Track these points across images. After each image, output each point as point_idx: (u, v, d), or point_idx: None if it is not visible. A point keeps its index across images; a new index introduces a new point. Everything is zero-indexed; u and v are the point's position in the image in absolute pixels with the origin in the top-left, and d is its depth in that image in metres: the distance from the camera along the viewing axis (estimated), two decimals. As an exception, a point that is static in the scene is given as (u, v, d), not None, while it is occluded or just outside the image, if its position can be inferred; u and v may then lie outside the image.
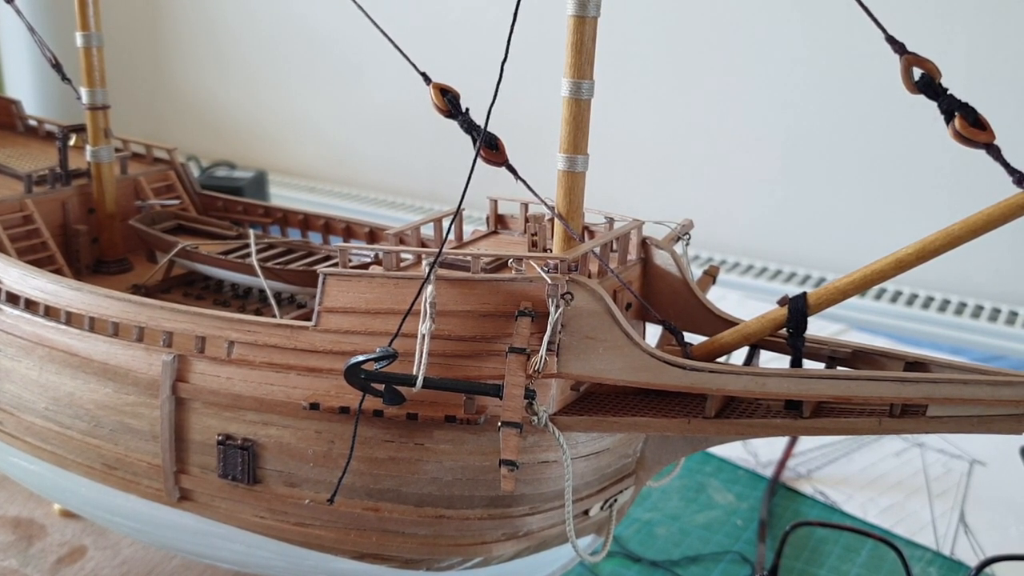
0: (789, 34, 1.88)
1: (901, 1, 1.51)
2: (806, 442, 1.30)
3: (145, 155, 1.17)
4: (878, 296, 1.78)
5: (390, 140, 2.36)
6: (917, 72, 0.56)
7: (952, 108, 0.55)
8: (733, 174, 1.99)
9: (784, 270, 1.91)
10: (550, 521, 0.75)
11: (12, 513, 1.07)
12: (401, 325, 0.65)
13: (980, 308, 1.73)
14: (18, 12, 1.06)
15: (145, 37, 2.70)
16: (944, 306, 1.74)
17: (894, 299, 1.78)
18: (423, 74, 0.72)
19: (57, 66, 1.06)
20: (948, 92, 0.55)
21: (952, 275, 1.76)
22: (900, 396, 0.59)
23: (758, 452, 1.28)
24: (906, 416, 0.61)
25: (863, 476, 1.24)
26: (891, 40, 0.56)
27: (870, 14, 0.56)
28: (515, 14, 0.53)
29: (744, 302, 1.69)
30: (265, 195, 2.04)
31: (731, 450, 1.28)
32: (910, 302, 1.76)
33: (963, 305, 1.75)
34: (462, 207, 0.69)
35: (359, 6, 0.72)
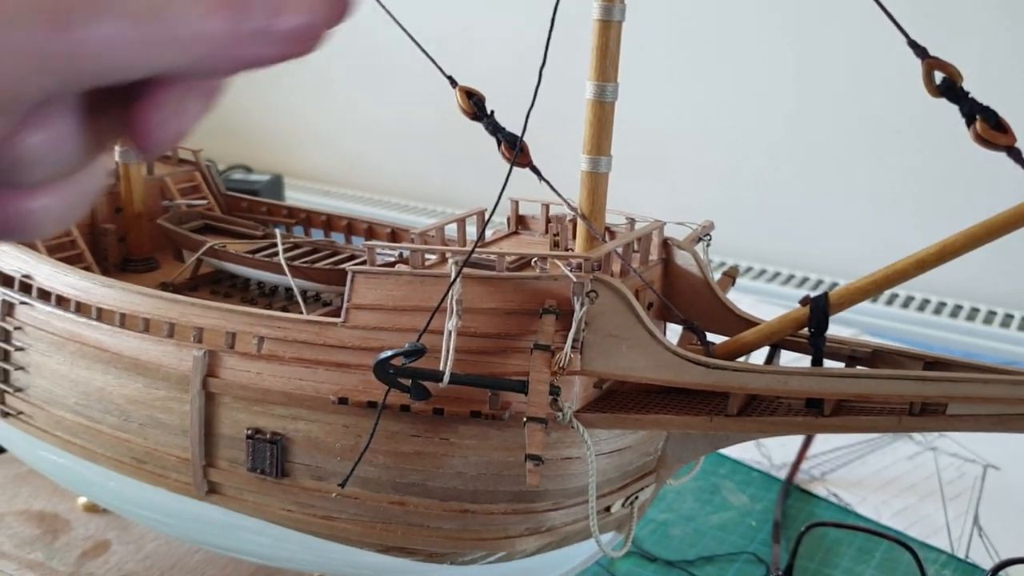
0: (806, 39, 1.89)
1: (916, 4, 1.52)
2: (820, 444, 1.31)
3: (171, 157, 1.19)
4: (890, 301, 1.79)
5: (404, 144, 2.38)
6: (939, 76, 0.57)
7: (973, 111, 0.56)
8: (748, 178, 2.00)
9: (797, 274, 1.92)
10: (572, 517, 0.76)
11: (37, 507, 1.09)
12: (429, 322, 0.67)
13: (992, 313, 1.74)
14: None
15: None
16: (956, 311, 1.75)
17: (906, 304, 1.78)
18: (450, 77, 0.74)
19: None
20: (970, 95, 0.56)
21: (964, 280, 1.76)
22: (920, 394, 0.61)
23: (772, 454, 1.29)
24: (926, 414, 0.62)
25: (877, 479, 1.25)
26: (913, 44, 0.58)
27: (892, 19, 0.58)
28: (552, 22, 0.54)
29: (757, 306, 1.70)
30: (281, 198, 2.06)
31: (745, 452, 1.29)
32: (922, 307, 1.77)
33: (975, 310, 1.75)
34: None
35: (388, 12, 0.73)
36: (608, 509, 0.77)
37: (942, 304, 1.78)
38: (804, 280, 1.89)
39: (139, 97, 0.31)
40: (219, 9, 0.29)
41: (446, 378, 0.65)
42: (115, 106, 0.32)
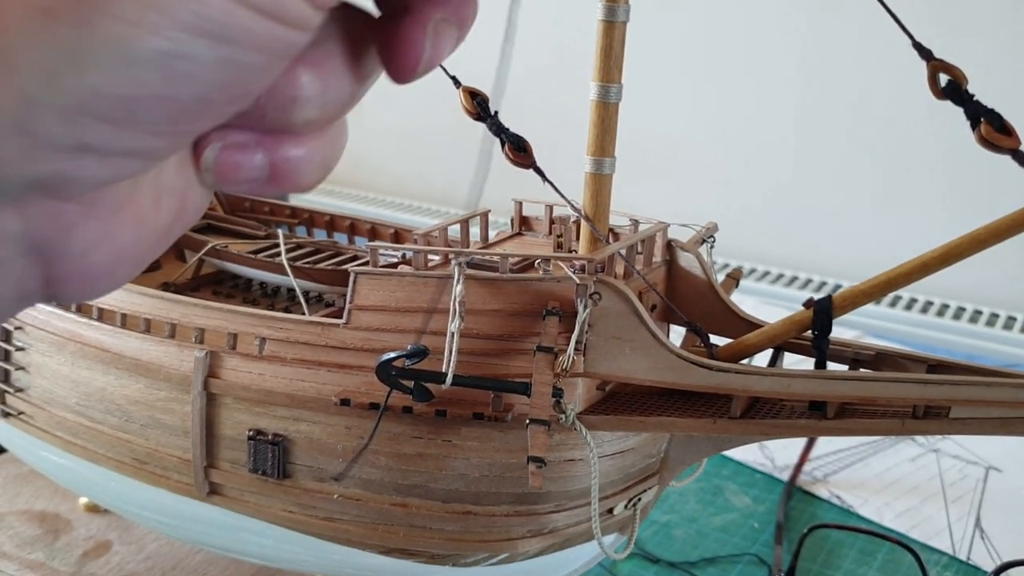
0: (809, 42, 1.89)
1: (921, 7, 1.52)
2: (822, 447, 1.31)
3: None
4: (893, 303, 1.79)
5: (408, 145, 2.38)
6: (943, 78, 0.57)
7: (978, 114, 0.56)
8: (753, 180, 2.00)
9: (801, 276, 1.91)
10: (575, 519, 0.76)
11: (39, 508, 1.09)
12: (427, 322, 0.67)
13: (995, 316, 1.74)
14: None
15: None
16: (959, 313, 1.75)
17: (909, 306, 1.78)
18: (453, 77, 0.74)
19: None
20: (974, 98, 0.56)
21: (967, 282, 1.76)
22: (923, 397, 0.60)
23: (775, 456, 1.29)
24: (929, 418, 0.62)
25: (879, 481, 1.25)
26: (918, 46, 0.57)
27: (898, 21, 0.58)
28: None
29: (760, 308, 1.70)
30: (284, 198, 2.06)
31: (748, 454, 1.29)
32: (924, 309, 1.77)
33: (978, 312, 1.75)
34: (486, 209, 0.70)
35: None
36: (611, 511, 0.77)
37: (945, 306, 1.78)
38: (808, 282, 1.89)
39: (397, 22, 0.32)
40: None
41: (449, 380, 0.65)
42: (372, 39, 0.33)
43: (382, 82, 0.35)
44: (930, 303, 1.79)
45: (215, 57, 0.27)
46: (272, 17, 0.28)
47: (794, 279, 1.91)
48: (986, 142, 0.56)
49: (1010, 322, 1.71)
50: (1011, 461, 1.30)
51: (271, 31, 0.28)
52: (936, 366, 0.65)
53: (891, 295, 1.80)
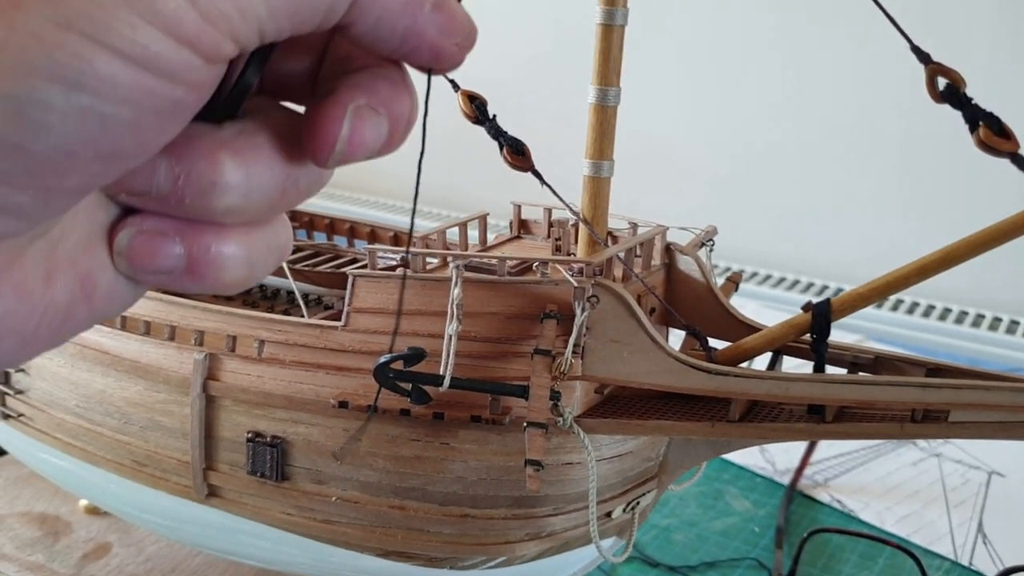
0: (811, 44, 1.89)
1: (920, 10, 1.52)
2: (823, 451, 1.31)
3: None
4: (895, 307, 1.78)
5: (408, 148, 2.38)
6: (942, 81, 0.57)
7: (977, 117, 0.56)
8: (753, 183, 1.99)
9: (802, 280, 1.91)
10: (573, 522, 0.76)
11: (38, 510, 1.09)
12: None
13: (998, 320, 1.73)
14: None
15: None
16: (961, 317, 1.75)
17: (911, 310, 1.78)
18: (452, 81, 0.74)
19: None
20: (973, 101, 0.56)
21: (970, 287, 1.76)
22: (922, 401, 0.60)
23: (775, 460, 1.29)
24: (928, 421, 0.62)
25: (880, 485, 1.25)
26: (916, 50, 0.57)
27: (895, 24, 0.57)
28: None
29: (761, 311, 1.70)
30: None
31: (749, 458, 1.29)
32: (927, 313, 1.77)
33: (980, 317, 1.75)
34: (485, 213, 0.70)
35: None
36: (609, 514, 0.77)
37: (948, 310, 1.77)
38: (810, 285, 1.89)
39: (320, 104, 0.31)
40: None
41: (446, 382, 0.65)
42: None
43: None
44: (932, 307, 1.79)
45: (71, 106, 0.25)
46: (141, 67, 0.26)
47: (796, 282, 1.91)
48: (985, 145, 0.56)
49: (1013, 326, 1.71)
50: (1014, 466, 1.30)
51: (140, 82, 0.26)
52: (935, 370, 0.65)
53: (894, 299, 1.80)
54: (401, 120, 0.33)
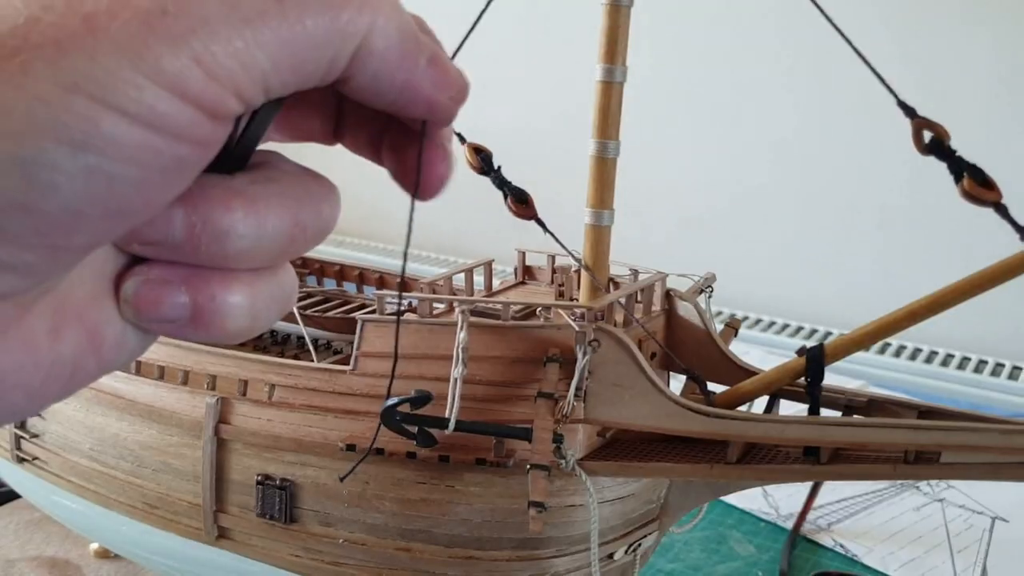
0: (807, 94, 1.92)
1: (906, 64, 1.56)
2: (826, 495, 1.32)
3: None
4: (897, 353, 1.80)
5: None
6: (927, 135, 0.59)
7: (961, 168, 0.58)
8: (753, 230, 2.02)
9: (805, 326, 1.93)
10: (576, 564, 0.77)
11: (49, 553, 1.10)
12: (431, 370, 0.68)
13: (1000, 366, 1.74)
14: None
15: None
16: (963, 364, 1.76)
17: (913, 356, 1.79)
18: (458, 134, 0.76)
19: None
20: (956, 153, 0.58)
21: (972, 333, 1.77)
22: (914, 443, 0.62)
23: (780, 505, 1.29)
24: (920, 463, 0.63)
25: (883, 530, 1.25)
26: (902, 105, 0.60)
27: (882, 81, 0.60)
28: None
29: (765, 357, 1.71)
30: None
31: (752, 502, 1.29)
32: (929, 359, 1.78)
33: (983, 363, 1.76)
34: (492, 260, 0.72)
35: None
36: (611, 556, 0.78)
37: (949, 356, 1.78)
38: (813, 332, 1.91)
39: (409, 149, 0.35)
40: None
41: (452, 425, 0.67)
42: (314, 186, 0.34)
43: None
44: (935, 353, 1.80)
45: (79, 167, 0.25)
46: (147, 126, 0.26)
47: (799, 329, 1.92)
48: (969, 195, 0.59)
49: (1015, 372, 1.72)
50: (1018, 511, 1.30)
51: (146, 142, 0.26)
52: (927, 412, 0.67)
53: (896, 345, 1.81)
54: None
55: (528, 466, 0.66)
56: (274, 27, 0.27)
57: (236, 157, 0.31)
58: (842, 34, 0.61)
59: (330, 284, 1.13)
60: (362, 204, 2.61)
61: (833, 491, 1.33)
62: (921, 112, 0.60)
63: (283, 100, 0.31)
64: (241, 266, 0.31)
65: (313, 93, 0.33)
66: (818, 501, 1.30)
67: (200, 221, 0.29)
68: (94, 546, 1.09)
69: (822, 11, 0.61)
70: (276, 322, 0.35)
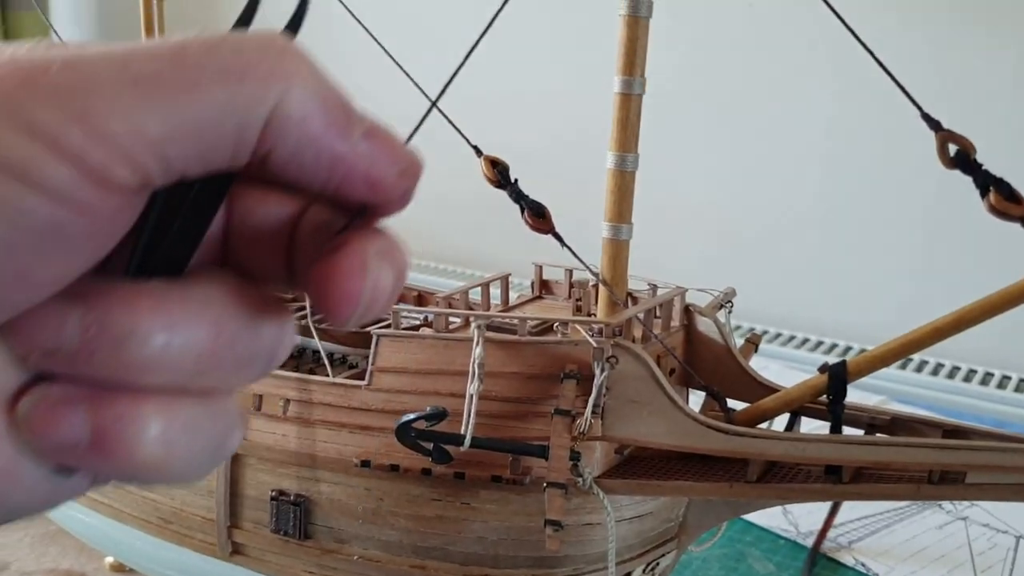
0: (830, 107, 1.91)
1: (931, 77, 1.54)
2: (847, 513, 1.30)
3: None
4: (919, 368, 1.78)
5: (431, 209, 2.41)
6: (952, 148, 0.58)
7: (987, 183, 0.57)
8: (773, 243, 2.00)
9: (826, 341, 1.91)
10: (593, 583, 0.76)
11: (64, 566, 1.10)
12: (447, 386, 0.68)
13: (1023, 381, 1.72)
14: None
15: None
16: (987, 379, 1.73)
17: (935, 371, 1.77)
18: (475, 147, 0.76)
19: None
20: (983, 167, 0.57)
21: (995, 348, 1.75)
22: (939, 462, 0.61)
23: (799, 522, 1.28)
24: (945, 483, 0.62)
25: (905, 548, 1.23)
26: (926, 117, 0.59)
27: (906, 93, 0.59)
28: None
29: (785, 372, 1.69)
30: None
31: (772, 520, 1.28)
32: (951, 375, 1.76)
33: (1006, 378, 1.73)
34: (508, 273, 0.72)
35: (415, 83, 0.76)
36: (629, 575, 0.77)
37: (972, 371, 1.76)
38: (833, 346, 1.89)
39: (329, 258, 0.28)
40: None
41: (467, 442, 0.66)
42: (251, 305, 0.29)
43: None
44: (957, 368, 1.78)
45: None
46: (16, 178, 0.24)
47: (819, 343, 1.90)
48: (996, 210, 0.57)
49: (1039, 388, 1.70)
50: (1042, 530, 1.28)
51: (12, 194, 0.24)
52: (952, 431, 0.65)
53: (918, 360, 1.79)
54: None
55: (545, 484, 0.65)
56: (167, 91, 0.25)
57: (162, 260, 0.28)
58: (866, 48, 0.60)
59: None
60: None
61: (854, 509, 1.31)
62: (946, 125, 0.59)
63: (221, 196, 0.28)
64: (151, 381, 0.27)
65: (263, 231, 0.29)
66: (839, 519, 1.28)
67: (96, 322, 0.26)
68: (109, 560, 1.08)
69: (847, 25, 0.61)
70: (209, 465, 0.29)
